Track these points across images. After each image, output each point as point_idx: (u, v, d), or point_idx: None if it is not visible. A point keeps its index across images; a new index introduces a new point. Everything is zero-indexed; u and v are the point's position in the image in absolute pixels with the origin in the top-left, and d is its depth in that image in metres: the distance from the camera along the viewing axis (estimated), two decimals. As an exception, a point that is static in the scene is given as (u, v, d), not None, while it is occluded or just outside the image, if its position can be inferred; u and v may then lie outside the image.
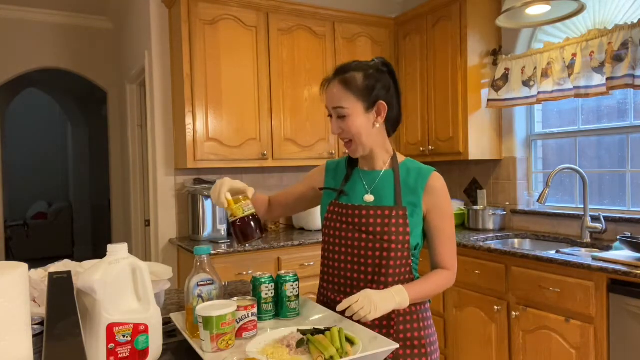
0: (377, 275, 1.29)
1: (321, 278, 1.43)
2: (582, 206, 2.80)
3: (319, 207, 1.52)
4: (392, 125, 1.37)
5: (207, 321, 1.07)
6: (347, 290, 1.33)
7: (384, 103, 1.30)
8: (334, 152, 3.37)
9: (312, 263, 2.90)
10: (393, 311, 1.25)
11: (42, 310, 1.12)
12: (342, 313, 1.19)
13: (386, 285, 1.28)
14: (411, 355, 1.29)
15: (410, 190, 1.32)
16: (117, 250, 0.98)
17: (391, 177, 1.35)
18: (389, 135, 1.38)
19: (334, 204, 1.39)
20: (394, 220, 1.28)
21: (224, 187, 1.30)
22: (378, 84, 1.30)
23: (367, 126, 1.31)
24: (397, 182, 1.33)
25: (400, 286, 1.24)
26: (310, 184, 1.51)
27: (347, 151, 1.37)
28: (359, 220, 1.31)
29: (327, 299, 1.39)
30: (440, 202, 1.32)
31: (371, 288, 1.27)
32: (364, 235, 1.30)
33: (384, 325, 1.29)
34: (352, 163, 1.44)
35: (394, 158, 1.37)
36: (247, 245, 1.11)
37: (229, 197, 1.29)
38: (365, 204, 1.34)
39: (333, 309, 1.32)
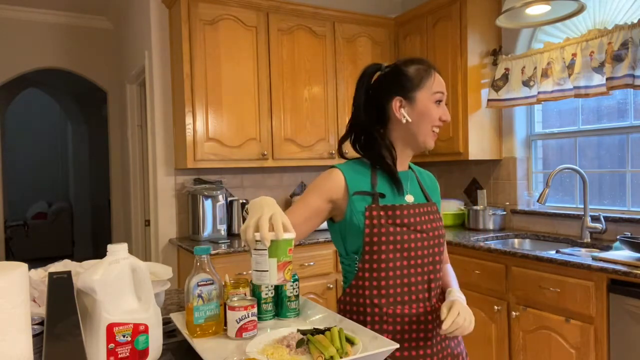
0: (433, 274, 1.28)
1: (365, 295, 1.25)
2: (582, 206, 2.80)
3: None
4: None
5: (276, 246, 0.95)
6: (405, 298, 1.24)
7: None
8: (333, 152, 3.37)
9: (312, 263, 2.90)
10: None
11: (42, 310, 1.12)
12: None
13: (437, 287, 1.30)
14: None
15: (430, 189, 1.39)
16: (117, 250, 0.98)
17: (413, 177, 1.37)
18: None
19: (373, 207, 1.24)
20: (432, 217, 1.30)
21: (277, 218, 1.01)
22: None
23: None
24: (420, 181, 1.37)
25: (453, 289, 1.28)
26: (327, 196, 1.27)
27: (430, 140, 1.31)
28: (409, 221, 1.25)
29: (386, 315, 1.24)
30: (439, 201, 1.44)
31: (427, 292, 1.27)
32: (418, 235, 1.25)
33: (454, 345, 1.37)
34: (374, 166, 1.32)
35: None
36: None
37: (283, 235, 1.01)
38: (406, 203, 1.30)
39: (389, 326, 1.24)
